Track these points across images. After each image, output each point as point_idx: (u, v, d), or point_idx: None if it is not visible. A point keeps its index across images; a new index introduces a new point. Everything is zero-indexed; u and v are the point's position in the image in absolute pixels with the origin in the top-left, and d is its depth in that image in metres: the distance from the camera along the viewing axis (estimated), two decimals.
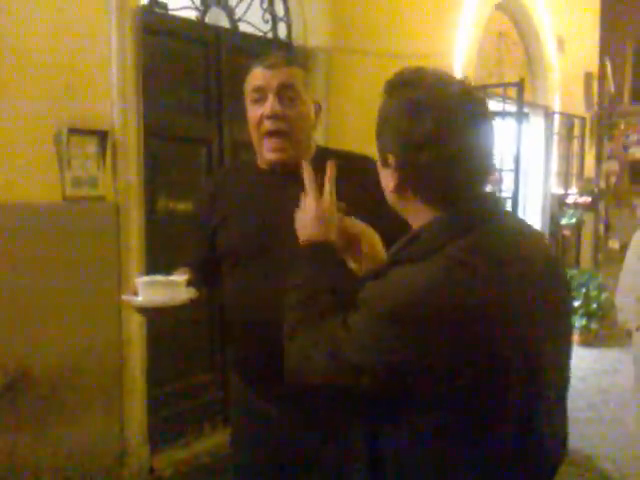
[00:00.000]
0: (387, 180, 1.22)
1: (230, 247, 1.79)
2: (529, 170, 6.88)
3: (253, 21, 4.04)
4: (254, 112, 1.70)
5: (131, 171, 3.20)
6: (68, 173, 2.93)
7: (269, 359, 1.62)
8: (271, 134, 1.68)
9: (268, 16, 4.14)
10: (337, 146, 3.85)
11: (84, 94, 3.01)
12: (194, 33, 3.72)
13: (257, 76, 1.70)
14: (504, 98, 5.41)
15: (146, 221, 3.32)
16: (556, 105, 7.14)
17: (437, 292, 1.09)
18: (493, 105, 5.55)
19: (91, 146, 3.02)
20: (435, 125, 1.13)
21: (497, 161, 5.76)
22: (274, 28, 4.18)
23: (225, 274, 1.82)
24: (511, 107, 5.48)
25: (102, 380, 3.14)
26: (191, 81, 3.71)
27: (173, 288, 1.57)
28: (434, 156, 1.14)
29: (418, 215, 1.21)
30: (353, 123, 4.43)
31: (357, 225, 1.47)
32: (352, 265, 1.45)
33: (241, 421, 1.90)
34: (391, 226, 1.38)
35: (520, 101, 5.33)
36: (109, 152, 3.09)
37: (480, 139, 1.18)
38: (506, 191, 5.76)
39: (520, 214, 6.34)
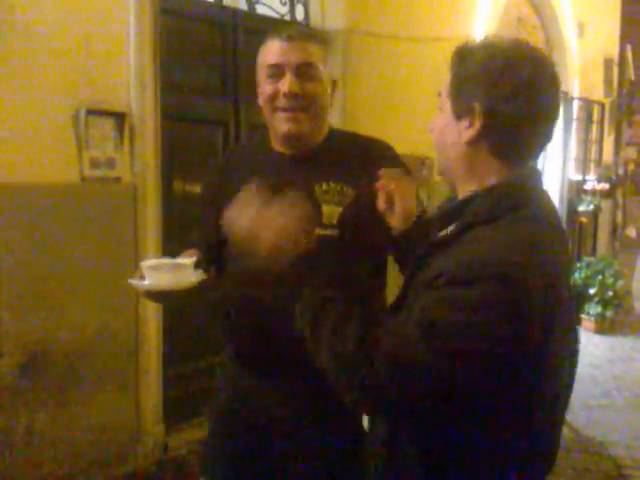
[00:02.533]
0: (460, 133, 1.20)
1: None
2: (547, 156, 6.82)
3: (271, 3, 4.03)
4: (269, 86, 1.64)
5: (148, 152, 3.21)
6: (86, 154, 2.95)
7: (283, 354, 1.62)
8: (287, 109, 1.63)
9: None
10: (353, 128, 3.86)
11: (102, 76, 3.03)
12: (211, 15, 3.72)
13: (274, 50, 1.63)
14: None
15: (163, 202, 3.34)
16: (575, 91, 7.06)
17: (532, 250, 1.09)
18: None
19: (109, 127, 3.04)
20: (530, 77, 1.15)
21: None
22: (292, 10, 4.16)
23: (229, 259, 1.73)
24: None
25: (118, 359, 3.17)
26: (208, 63, 3.72)
27: (180, 271, 1.54)
28: (523, 108, 1.16)
29: (484, 173, 1.21)
30: (369, 105, 4.42)
31: (391, 180, 1.50)
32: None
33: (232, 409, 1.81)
34: None
35: None
36: (127, 133, 3.11)
37: (557, 102, 1.21)
38: None
39: None
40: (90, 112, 2.95)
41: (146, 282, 1.52)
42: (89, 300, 3.03)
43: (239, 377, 1.79)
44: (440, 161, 1.29)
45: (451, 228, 1.21)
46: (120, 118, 3.07)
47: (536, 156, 1.24)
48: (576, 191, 7.10)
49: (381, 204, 1.51)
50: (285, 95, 1.61)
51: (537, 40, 6.67)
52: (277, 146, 1.73)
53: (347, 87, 4.27)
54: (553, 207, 1.26)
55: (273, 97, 1.63)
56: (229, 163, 1.84)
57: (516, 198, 1.17)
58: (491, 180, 1.20)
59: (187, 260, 1.56)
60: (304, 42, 1.63)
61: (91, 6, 2.96)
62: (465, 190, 1.23)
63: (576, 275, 6.73)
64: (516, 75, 1.15)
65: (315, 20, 4.22)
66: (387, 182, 1.51)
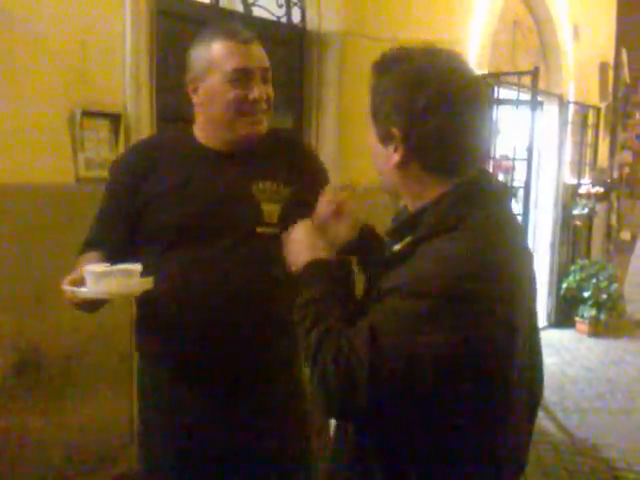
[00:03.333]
0: (388, 158, 1.20)
1: (166, 228, 1.68)
2: (542, 160, 6.83)
3: (267, 5, 4.03)
4: (234, 91, 1.62)
5: None
6: (81, 155, 2.95)
7: (215, 351, 1.65)
8: (254, 114, 1.65)
9: (282, 0, 4.12)
10: (349, 131, 3.88)
11: (97, 77, 3.02)
12: (207, 17, 3.71)
13: (238, 54, 1.64)
14: (518, 86, 5.37)
15: None
16: (570, 94, 7.08)
17: (485, 262, 1.10)
18: (507, 93, 5.52)
19: (104, 129, 3.03)
20: (440, 89, 1.14)
21: (510, 150, 5.74)
22: (288, 13, 4.17)
23: (151, 258, 1.67)
24: (525, 95, 5.44)
25: (113, 361, 3.17)
26: None
27: (131, 277, 1.48)
28: (442, 124, 1.14)
29: (423, 190, 1.20)
30: (365, 108, 4.41)
31: (340, 194, 1.53)
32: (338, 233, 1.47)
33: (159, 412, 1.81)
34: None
35: (534, 90, 5.29)
36: (122, 135, 3.11)
37: (481, 112, 1.19)
38: (518, 180, 5.74)
39: (532, 204, 6.32)
40: (85, 113, 2.94)
41: (93, 289, 1.46)
42: None
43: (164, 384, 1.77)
44: (381, 180, 1.28)
45: (405, 241, 1.21)
46: (115, 119, 3.07)
47: (475, 164, 1.22)
48: (571, 194, 7.11)
49: (326, 216, 1.50)
50: (255, 100, 1.63)
51: (533, 43, 6.69)
52: (210, 143, 1.71)
53: (343, 90, 4.28)
54: (506, 210, 1.25)
55: (239, 102, 1.63)
56: (141, 160, 1.76)
57: (463, 207, 1.16)
58: (436, 192, 1.19)
59: (135, 266, 1.50)
60: (258, 44, 1.69)
61: (87, 7, 2.96)
62: (415, 204, 1.23)
63: (570, 278, 6.75)
64: (427, 89, 1.14)
65: (312, 22, 4.23)
66: (335, 195, 1.52)
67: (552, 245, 6.98)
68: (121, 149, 3.10)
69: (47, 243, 2.88)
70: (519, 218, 5.67)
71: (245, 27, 1.69)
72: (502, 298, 1.10)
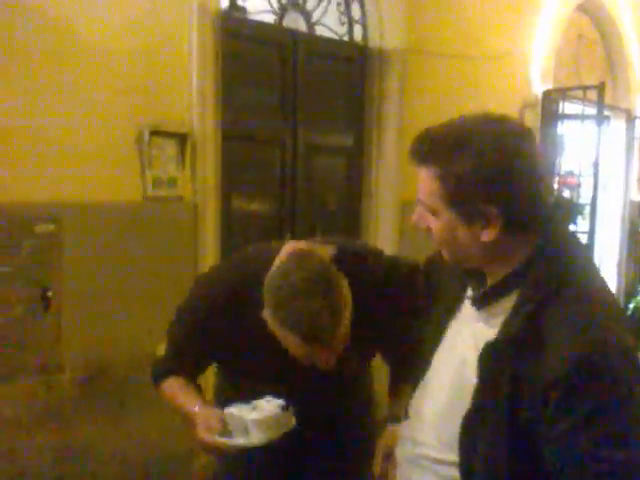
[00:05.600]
0: (477, 233, 1.15)
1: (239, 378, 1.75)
2: (609, 176, 6.64)
3: (329, 24, 4.06)
4: (299, 354, 1.49)
5: (208, 172, 3.26)
6: (149, 174, 3.02)
7: None
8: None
9: (344, 19, 4.15)
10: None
11: (164, 97, 3.10)
12: (271, 36, 3.77)
13: (306, 351, 1.46)
14: (583, 101, 5.25)
15: (222, 220, 3.39)
16: (638, 109, 6.88)
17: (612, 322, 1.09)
18: (572, 108, 5.40)
19: (171, 147, 3.10)
20: (525, 156, 1.13)
21: (576, 166, 5.60)
22: (350, 31, 4.19)
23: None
24: (591, 110, 5.31)
25: None
26: (267, 83, 3.77)
27: (286, 420, 1.45)
28: (530, 187, 1.13)
29: (511, 254, 1.17)
30: (426, 123, 4.39)
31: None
32: None
33: None
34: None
35: (600, 104, 5.16)
36: (188, 154, 3.17)
37: (539, 162, 1.18)
38: (584, 197, 5.60)
39: (598, 222, 6.15)
40: (153, 132, 3.02)
41: (258, 438, 1.40)
42: (148, 316, 3.07)
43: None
44: (453, 255, 1.23)
45: (515, 320, 1.14)
46: (182, 138, 3.13)
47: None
48: (638, 212, 6.89)
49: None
50: (324, 366, 1.52)
51: (598, 57, 6.53)
52: None
53: (404, 106, 4.26)
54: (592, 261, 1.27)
55: (304, 359, 1.51)
56: (229, 310, 1.64)
57: (561, 263, 1.14)
58: (522, 252, 1.16)
59: (280, 404, 1.46)
60: (338, 333, 1.44)
61: (155, 27, 3.04)
62: (500, 269, 1.19)
63: (639, 298, 6.53)
64: (516, 163, 1.11)
65: (373, 40, 4.23)
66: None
67: (619, 264, 6.77)
68: (187, 167, 3.17)
69: (116, 259, 2.95)
70: (585, 236, 5.53)
71: (325, 315, 1.41)
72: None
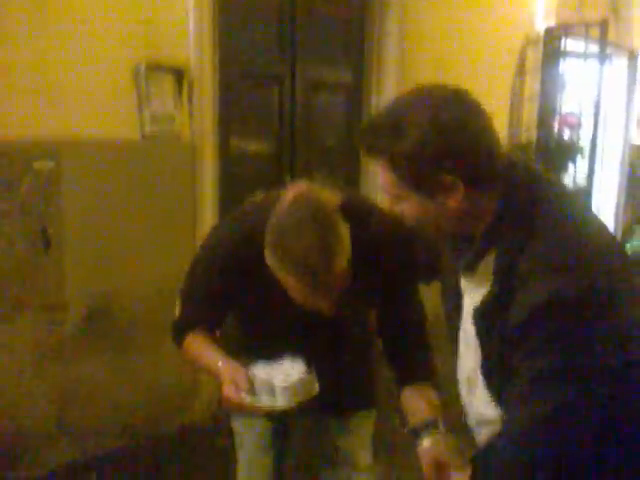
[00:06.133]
0: (443, 203, 1.19)
1: (253, 326, 1.78)
2: (609, 117, 6.58)
3: None
4: (300, 299, 1.51)
5: (206, 109, 3.21)
6: (147, 110, 2.97)
7: None
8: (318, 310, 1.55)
9: None
10: (411, 86, 3.70)
11: (161, 31, 3.02)
12: None
13: (300, 289, 1.46)
14: (586, 39, 5.16)
15: (219, 159, 3.36)
16: None
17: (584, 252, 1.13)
18: (575, 46, 5.31)
19: (168, 84, 3.04)
20: (456, 114, 1.16)
21: (577, 105, 5.54)
22: None
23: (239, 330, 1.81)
24: (593, 48, 5.22)
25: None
26: (265, 19, 3.67)
27: (308, 384, 1.49)
28: (480, 150, 1.16)
29: (480, 212, 1.21)
30: (428, 61, 4.33)
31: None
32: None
33: None
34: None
35: (603, 42, 5.07)
36: (185, 90, 3.11)
37: (478, 122, 1.20)
38: (584, 138, 5.55)
39: (598, 164, 6.12)
40: (150, 68, 2.95)
41: (283, 401, 1.45)
42: (149, 256, 3.09)
43: None
44: (434, 229, 1.28)
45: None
46: (179, 74, 3.07)
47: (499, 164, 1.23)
48: (638, 154, 6.86)
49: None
50: (325, 311, 1.53)
51: None
52: None
53: (406, 42, 4.19)
54: (562, 189, 1.29)
55: (302, 302, 1.52)
56: (241, 264, 1.64)
57: (529, 208, 1.17)
58: (490, 207, 1.20)
59: (304, 370, 1.50)
60: (332, 273, 1.44)
61: None
62: (475, 229, 1.23)
63: (635, 242, 6.56)
64: (453, 133, 1.15)
65: None
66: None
67: (617, 207, 6.77)
68: (184, 104, 3.12)
69: (114, 198, 2.93)
70: (584, 177, 5.51)
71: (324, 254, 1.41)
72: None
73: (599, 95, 5.14)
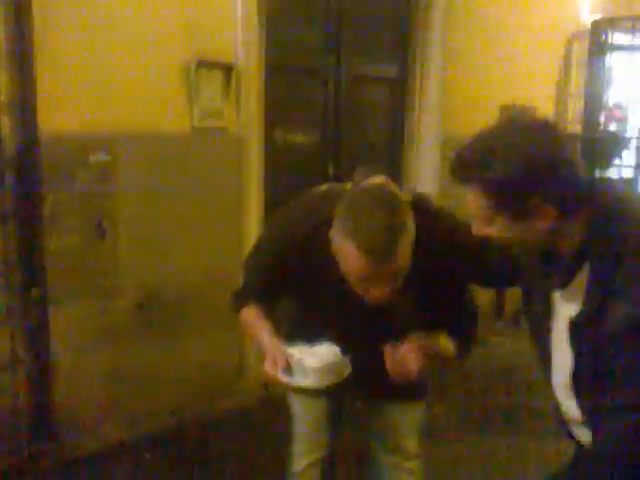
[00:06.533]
0: (534, 225, 1.27)
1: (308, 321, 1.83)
2: None
3: None
4: (354, 280, 1.55)
5: (252, 104, 3.32)
6: (196, 105, 3.09)
7: None
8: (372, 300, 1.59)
9: None
10: (455, 79, 3.74)
11: (210, 28, 3.13)
12: None
13: (362, 269, 1.49)
14: (633, 32, 5.08)
15: (265, 151, 3.46)
16: None
17: None
18: (621, 39, 5.24)
19: (217, 79, 3.16)
20: (549, 149, 1.25)
21: (624, 99, 5.48)
22: None
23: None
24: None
25: (223, 302, 3.34)
26: (311, 16, 3.75)
27: (342, 367, 1.58)
28: (567, 172, 1.25)
29: (570, 230, 1.29)
30: (470, 62, 4.36)
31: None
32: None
33: None
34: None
35: None
36: (233, 85, 3.22)
37: (565, 148, 1.29)
38: (630, 131, 5.49)
39: None
40: (199, 64, 3.07)
41: (315, 381, 1.54)
42: (198, 244, 3.21)
43: None
44: (523, 251, 1.41)
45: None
46: (227, 70, 3.18)
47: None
48: None
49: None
50: (376, 298, 1.57)
51: None
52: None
53: (448, 37, 4.22)
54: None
55: (358, 288, 1.57)
56: (304, 247, 1.72)
57: (620, 224, 1.25)
58: (579, 228, 1.27)
59: (338, 354, 1.59)
60: (394, 258, 1.48)
61: None
62: (565, 244, 1.31)
63: None
64: (543, 157, 1.23)
65: None
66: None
67: None
68: (232, 99, 3.23)
69: (165, 187, 3.06)
70: (631, 170, 5.45)
71: (388, 234, 1.45)
72: None
73: None
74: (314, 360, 1.55)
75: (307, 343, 1.62)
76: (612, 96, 5.58)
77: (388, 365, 1.62)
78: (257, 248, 1.86)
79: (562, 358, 1.37)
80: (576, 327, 1.30)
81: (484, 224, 1.32)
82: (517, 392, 3.68)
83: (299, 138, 3.75)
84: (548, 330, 1.40)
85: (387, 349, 1.63)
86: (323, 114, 3.87)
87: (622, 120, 5.50)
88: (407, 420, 1.98)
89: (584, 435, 1.39)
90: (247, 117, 3.31)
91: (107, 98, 2.83)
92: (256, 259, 1.84)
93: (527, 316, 1.52)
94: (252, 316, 1.77)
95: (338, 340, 1.62)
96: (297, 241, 1.70)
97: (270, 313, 1.77)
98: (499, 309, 4.76)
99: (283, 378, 1.54)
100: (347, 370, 1.58)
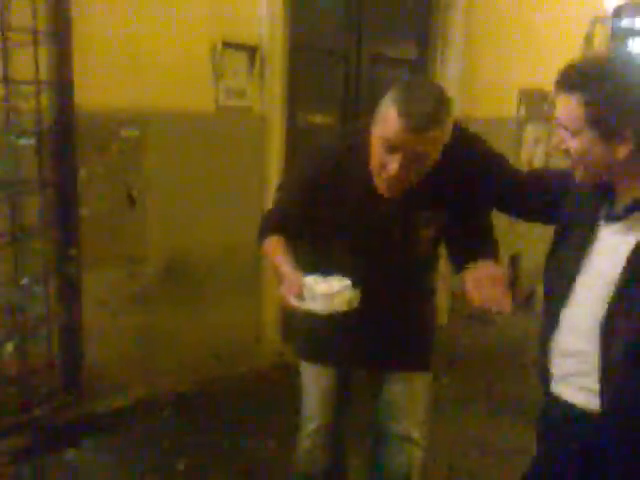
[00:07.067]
0: (612, 151, 1.38)
1: (334, 242, 1.89)
2: None
3: None
4: (380, 156, 1.68)
5: (276, 84, 3.46)
6: (222, 85, 3.24)
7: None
8: (389, 184, 1.73)
9: None
10: (475, 60, 3.77)
11: (237, 11, 3.27)
12: None
13: (395, 131, 1.60)
14: None
15: (287, 130, 3.61)
16: None
17: None
18: None
19: (242, 60, 3.30)
20: None
21: None
22: None
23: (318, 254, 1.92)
24: None
25: (244, 272, 3.54)
26: None
27: (351, 295, 1.68)
28: None
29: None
30: (490, 44, 4.44)
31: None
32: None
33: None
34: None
35: None
36: (257, 66, 3.36)
37: None
38: None
39: None
40: (225, 44, 3.21)
41: (324, 306, 1.66)
42: (221, 218, 3.39)
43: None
44: (586, 173, 1.46)
45: None
46: (252, 50, 3.32)
47: None
48: None
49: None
50: (390, 174, 1.69)
51: None
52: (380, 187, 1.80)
53: (469, 18, 4.30)
54: None
55: (380, 166, 1.70)
56: (330, 171, 1.85)
57: None
58: None
59: (348, 284, 1.71)
60: (427, 132, 1.59)
61: None
62: (629, 189, 1.42)
63: None
64: None
65: None
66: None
67: None
68: (256, 79, 3.37)
69: (191, 162, 3.24)
70: None
71: (435, 109, 1.58)
72: None
73: None
74: (324, 287, 1.67)
75: (320, 274, 1.74)
76: None
77: (471, 284, 1.66)
78: (284, 183, 2.00)
79: (590, 299, 1.46)
80: (632, 259, 1.38)
81: (570, 135, 1.41)
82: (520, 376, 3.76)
83: (319, 118, 3.87)
84: (576, 271, 1.49)
85: (467, 274, 1.69)
86: (344, 94, 3.99)
87: None
88: (412, 391, 2.04)
89: (566, 393, 1.52)
90: (270, 97, 3.45)
91: (138, 77, 2.98)
92: (285, 189, 1.97)
93: (556, 257, 1.59)
94: (274, 247, 1.86)
95: (352, 276, 1.73)
96: (326, 169, 1.82)
97: (292, 247, 1.85)
98: (511, 285, 4.86)
99: (294, 302, 1.67)
100: (356, 300, 1.70)
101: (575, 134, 1.41)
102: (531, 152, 5.13)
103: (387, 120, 1.62)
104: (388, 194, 1.76)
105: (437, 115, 1.59)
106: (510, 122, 4.99)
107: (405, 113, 1.58)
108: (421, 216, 1.84)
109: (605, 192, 1.47)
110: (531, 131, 5.10)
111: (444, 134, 1.64)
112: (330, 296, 1.66)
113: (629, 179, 1.42)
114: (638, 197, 1.41)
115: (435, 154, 1.66)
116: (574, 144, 1.42)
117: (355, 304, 1.70)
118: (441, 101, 1.62)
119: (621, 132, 1.35)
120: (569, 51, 5.00)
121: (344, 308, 1.67)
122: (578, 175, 1.47)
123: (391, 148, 1.63)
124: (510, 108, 4.97)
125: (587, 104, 1.37)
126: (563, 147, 1.45)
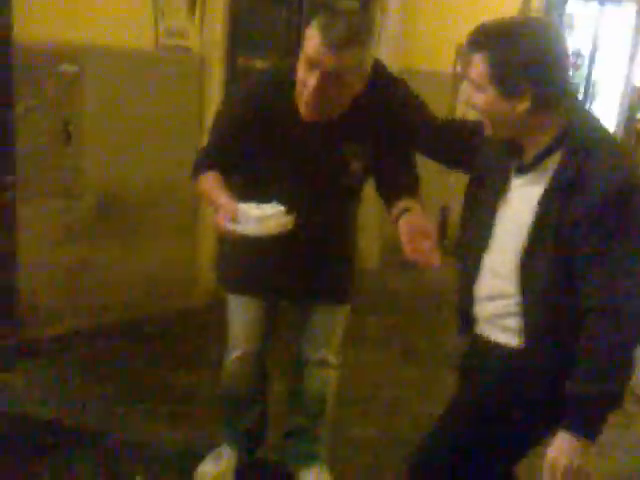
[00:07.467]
0: (513, 107, 1.50)
1: (263, 171, 1.98)
2: (612, 57, 6.69)
3: None
4: (302, 71, 1.76)
5: (217, 26, 3.49)
6: (162, 23, 3.25)
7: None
8: (308, 101, 1.80)
9: None
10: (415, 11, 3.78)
11: None
12: None
13: (314, 46, 1.71)
14: None
15: (227, 73, 3.65)
16: None
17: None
18: None
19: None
20: (555, 48, 1.48)
21: (582, 47, 5.66)
22: None
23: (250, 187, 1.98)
24: None
25: (181, 210, 3.62)
26: None
27: (282, 219, 1.74)
28: (558, 75, 1.49)
29: (543, 129, 1.53)
30: (430, 7, 4.51)
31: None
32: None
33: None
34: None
35: None
36: (198, 6, 3.38)
37: (566, 52, 1.54)
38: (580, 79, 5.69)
39: (596, 101, 6.26)
40: None
41: (256, 228, 1.72)
42: (157, 155, 3.43)
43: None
44: (493, 128, 1.58)
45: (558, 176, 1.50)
46: None
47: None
48: (638, 97, 7.00)
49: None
50: (309, 90, 1.78)
51: None
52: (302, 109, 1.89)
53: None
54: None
55: (302, 84, 1.78)
56: (254, 108, 1.91)
57: (591, 128, 1.51)
58: (553, 126, 1.51)
59: (282, 209, 1.77)
60: (345, 50, 1.70)
61: None
62: (535, 142, 1.55)
63: None
64: (550, 54, 1.46)
65: None
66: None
67: None
68: (197, 19, 3.39)
69: (129, 99, 3.26)
70: None
71: (355, 27, 1.69)
72: None
73: (596, 32, 5.22)
74: (258, 211, 1.76)
75: (255, 202, 1.82)
76: (571, 43, 5.77)
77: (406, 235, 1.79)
78: (218, 115, 2.05)
79: (509, 245, 1.58)
80: (543, 205, 1.50)
81: (476, 90, 1.54)
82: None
83: (259, 63, 3.90)
84: (493, 219, 1.62)
85: (402, 225, 1.82)
86: (285, 40, 4.01)
87: (573, 67, 5.69)
88: (332, 320, 2.22)
89: (491, 333, 1.65)
90: (211, 39, 3.48)
91: (77, 13, 2.98)
92: (217, 125, 2.03)
93: (471, 203, 1.73)
94: (210, 180, 1.93)
95: (284, 204, 1.81)
96: (251, 104, 1.90)
97: (226, 181, 1.92)
98: (442, 235, 5.03)
99: (229, 226, 1.75)
100: (289, 224, 1.78)
101: (480, 90, 1.54)
102: (466, 107, 5.26)
103: (309, 37, 1.73)
104: (309, 116, 1.85)
105: (355, 36, 1.70)
106: (448, 77, 5.11)
107: (324, 29, 1.69)
108: (346, 148, 1.95)
109: (515, 145, 1.61)
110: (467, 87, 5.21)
111: (363, 62, 1.76)
112: (264, 218, 1.73)
113: (533, 133, 1.55)
114: (542, 149, 1.54)
115: (355, 84, 1.78)
116: (479, 100, 1.55)
117: (289, 226, 1.77)
118: (361, 26, 1.73)
119: (519, 88, 1.48)
120: (507, 10, 5.13)
121: (277, 231, 1.74)
122: (487, 129, 1.60)
123: (311, 64, 1.73)
124: (448, 63, 5.09)
125: (490, 63, 1.49)
126: (471, 102, 1.58)
